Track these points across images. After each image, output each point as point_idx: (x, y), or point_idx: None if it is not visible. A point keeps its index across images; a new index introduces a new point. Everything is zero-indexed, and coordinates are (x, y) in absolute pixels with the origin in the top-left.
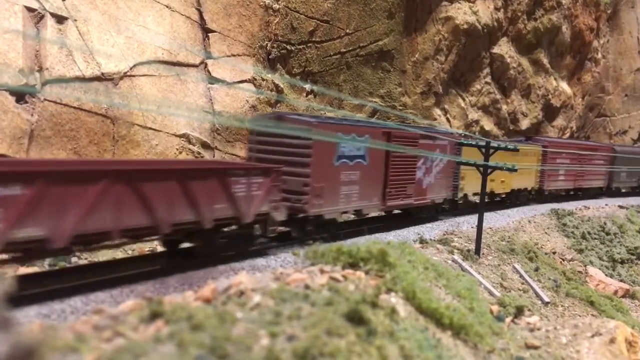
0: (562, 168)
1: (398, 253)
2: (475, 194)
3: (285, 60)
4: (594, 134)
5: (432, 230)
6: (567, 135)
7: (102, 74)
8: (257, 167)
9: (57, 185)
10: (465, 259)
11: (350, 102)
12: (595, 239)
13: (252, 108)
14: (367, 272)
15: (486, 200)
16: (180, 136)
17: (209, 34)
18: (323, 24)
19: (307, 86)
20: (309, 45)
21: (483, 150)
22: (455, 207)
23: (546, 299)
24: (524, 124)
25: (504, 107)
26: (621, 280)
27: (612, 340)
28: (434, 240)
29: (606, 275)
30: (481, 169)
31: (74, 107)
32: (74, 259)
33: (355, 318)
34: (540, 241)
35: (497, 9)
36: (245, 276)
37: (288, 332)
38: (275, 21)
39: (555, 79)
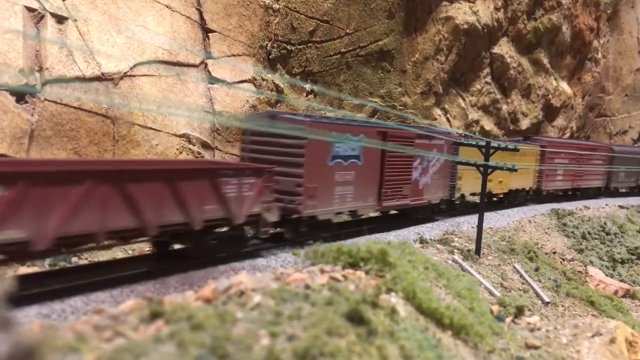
0: (560, 168)
1: (398, 253)
2: (472, 194)
3: (285, 60)
4: (594, 134)
5: (432, 230)
6: (568, 135)
7: (103, 74)
8: (249, 167)
9: (39, 187)
10: (465, 259)
11: (350, 102)
12: (596, 239)
13: (252, 108)
14: (367, 272)
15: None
16: (181, 136)
17: (209, 34)
18: (323, 24)
19: (307, 86)
20: (309, 45)
21: (483, 150)
22: (452, 207)
23: (546, 299)
24: (524, 124)
25: (504, 107)
26: (621, 280)
27: (612, 340)
28: (434, 240)
29: (606, 275)
30: (480, 169)
31: (74, 107)
32: (74, 259)
33: (355, 318)
34: (541, 241)
35: (497, 9)
36: (245, 276)
37: (288, 332)
38: (276, 21)
39: (555, 79)
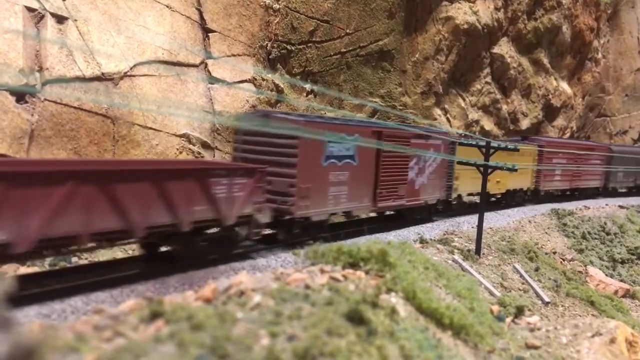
0: (558, 168)
1: (398, 253)
2: (469, 195)
3: (285, 60)
4: (594, 134)
5: (432, 230)
6: (568, 135)
7: (103, 74)
8: (240, 167)
9: (20, 188)
10: (465, 259)
11: (350, 102)
12: (596, 238)
13: (252, 108)
14: (367, 272)
15: (477, 201)
16: (181, 136)
17: (209, 34)
18: (323, 24)
19: (307, 86)
20: (309, 45)
21: (482, 150)
22: (449, 208)
23: (546, 299)
24: (524, 123)
25: (504, 107)
26: (621, 280)
27: (612, 340)
28: (434, 240)
29: (606, 275)
30: (479, 169)
31: (74, 107)
32: (74, 259)
33: (355, 318)
34: (541, 241)
35: (497, 9)
36: (245, 276)
37: (288, 332)
38: (276, 21)
39: (555, 79)
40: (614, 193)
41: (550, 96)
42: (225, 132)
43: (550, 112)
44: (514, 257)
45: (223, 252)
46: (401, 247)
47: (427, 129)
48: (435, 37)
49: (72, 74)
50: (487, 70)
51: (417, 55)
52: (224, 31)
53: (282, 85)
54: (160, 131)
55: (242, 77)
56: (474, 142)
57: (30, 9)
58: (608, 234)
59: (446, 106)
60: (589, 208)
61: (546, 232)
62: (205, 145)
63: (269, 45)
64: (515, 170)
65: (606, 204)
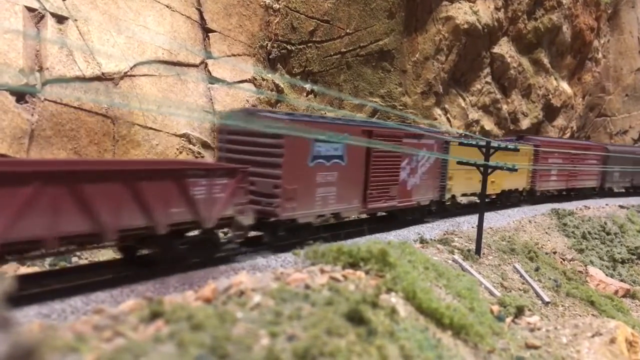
0: (554, 168)
1: (398, 253)
2: (463, 195)
3: (285, 60)
4: (594, 134)
5: (432, 230)
6: (568, 135)
7: (103, 73)
8: (220, 167)
9: None
10: (465, 259)
11: (350, 102)
12: (596, 238)
13: (252, 107)
14: (367, 272)
15: (470, 202)
16: (181, 136)
17: (209, 34)
18: (323, 23)
19: (308, 86)
20: (309, 45)
21: (481, 150)
22: (443, 208)
23: (546, 299)
24: (525, 123)
25: (505, 106)
26: (622, 280)
27: (612, 340)
28: (435, 240)
29: (607, 275)
30: (479, 168)
31: (74, 107)
32: (74, 259)
33: (355, 318)
34: (541, 241)
35: (497, 9)
36: (245, 276)
37: (288, 332)
38: (276, 21)
39: (555, 78)
40: (611, 193)
41: (551, 96)
42: None
43: (551, 112)
44: (514, 257)
45: (204, 255)
46: (401, 247)
47: (420, 128)
48: (436, 37)
49: (72, 74)
50: (487, 70)
51: (417, 55)
52: (224, 31)
53: (282, 85)
54: (161, 131)
55: (242, 77)
56: (473, 142)
57: (30, 9)
58: (608, 233)
59: (446, 106)
60: (589, 208)
61: (546, 232)
62: (205, 145)
63: (269, 45)
64: (516, 170)
65: (606, 204)
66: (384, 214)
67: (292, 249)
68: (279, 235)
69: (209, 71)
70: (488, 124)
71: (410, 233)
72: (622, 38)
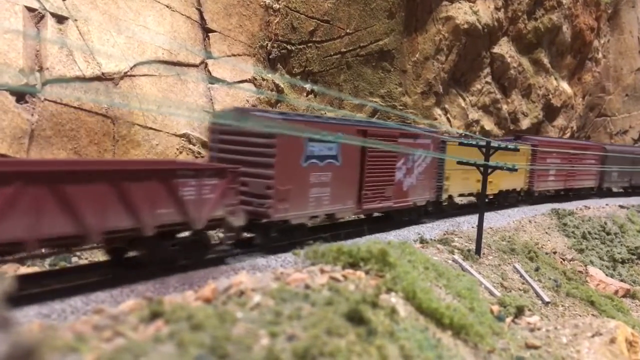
0: (552, 168)
1: (398, 253)
2: (460, 195)
3: (285, 60)
4: (594, 133)
5: (432, 230)
6: (568, 135)
7: (103, 73)
8: (210, 167)
9: None
10: (465, 259)
11: (350, 102)
12: (596, 238)
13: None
14: (367, 272)
15: (470, 202)
16: (181, 136)
17: (209, 34)
18: (323, 23)
19: (308, 86)
20: (309, 45)
21: (481, 150)
22: (439, 209)
23: (546, 299)
24: (525, 123)
25: (505, 106)
26: (622, 280)
27: (612, 340)
28: (435, 240)
29: (607, 275)
30: (479, 168)
31: (75, 107)
32: (74, 259)
33: (355, 318)
34: (541, 241)
35: (497, 9)
36: (245, 276)
37: (288, 332)
38: (276, 21)
39: (555, 78)
40: (611, 193)
41: (551, 96)
42: None
43: (551, 112)
44: (514, 257)
45: (194, 257)
46: (401, 247)
47: (416, 127)
48: (436, 37)
49: (72, 74)
50: (487, 70)
51: (417, 55)
52: (224, 31)
53: (282, 85)
54: (161, 131)
55: (242, 77)
56: (473, 142)
57: (30, 9)
58: (608, 233)
59: (446, 106)
60: (589, 208)
61: (546, 232)
62: (205, 145)
63: (269, 45)
64: (516, 170)
65: (606, 204)
66: (380, 214)
67: (285, 250)
68: (271, 237)
69: (209, 71)
70: (488, 124)
71: (410, 233)
72: (622, 38)
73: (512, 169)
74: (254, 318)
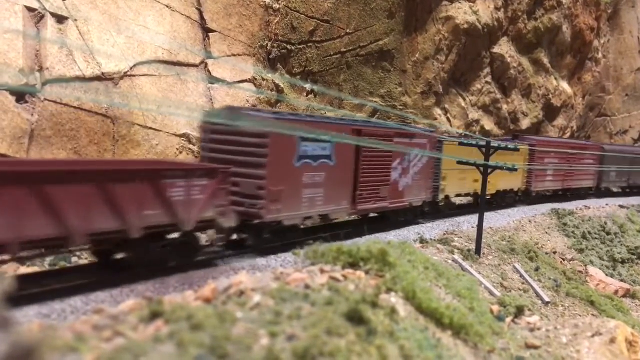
0: (550, 168)
1: (398, 253)
2: (457, 196)
3: (285, 60)
4: (594, 133)
5: (432, 230)
6: (568, 134)
7: (103, 73)
8: (199, 167)
9: None
10: (465, 259)
11: (350, 102)
12: (596, 238)
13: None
14: (367, 272)
15: (469, 203)
16: (181, 136)
17: (209, 34)
18: (323, 23)
19: (308, 86)
20: (309, 45)
21: (482, 150)
22: (436, 209)
23: (546, 299)
24: (525, 123)
25: (505, 106)
26: (622, 280)
27: (612, 340)
28: (435, 240)
29: (607, 275)
30: (479, 168)
31: (75, 107)
32: (74, 259)
33: (355, 318)
34: (541, 241)
35: (497, 9)
36: (245, 276)
37: (288, 332)
38: (276, 21)
39: (555, 78)
40: (611, 193)
41: (551, 96)
42: None
43: (551, 112)
44: (514, 257)
45: (184, 259)
46: (401, 247)
47: (412, 127)
48: (436, 37)
49: (72, 74)
50: (488, 70)
51: (417, 55)
52: (224, 31)
53: (282, 85)
54: (161, 131)
55: (242, 77)
56: (472, 142)
57: (30, 9)
58: (608, 233)
59: (446, 106)
60: (589, 208)
61: (546, 232)
62: None
63: (269, 45)
64: (516, 170)
65: (606, 204)
66: (376, 214)
67: (284, 250)
68: (263, 238)
69: (209, 71)
70: (488, 124)
71: (410, 233)
72: (622, 38)
73: (512, 169)
74: (254, 318)
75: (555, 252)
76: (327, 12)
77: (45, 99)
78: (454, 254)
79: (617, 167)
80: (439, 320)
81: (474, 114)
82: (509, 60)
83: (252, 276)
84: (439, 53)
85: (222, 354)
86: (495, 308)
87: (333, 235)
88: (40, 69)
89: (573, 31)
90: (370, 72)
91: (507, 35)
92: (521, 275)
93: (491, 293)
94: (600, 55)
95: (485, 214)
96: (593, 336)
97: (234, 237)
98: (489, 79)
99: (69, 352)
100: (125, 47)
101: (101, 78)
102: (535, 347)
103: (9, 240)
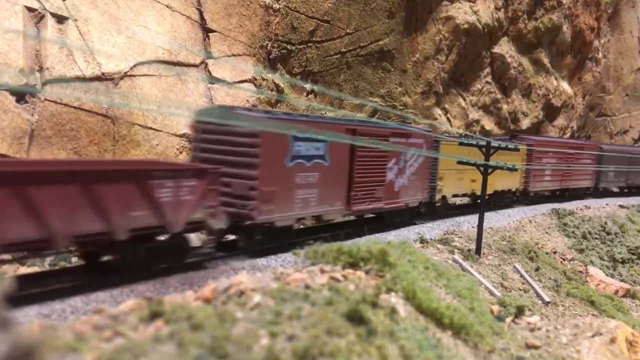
0: (547, 168)
1: (398, 253)
2: (454, 196)
3: (285, 60)
4: (594, 133)
5: (432, 230)
6: (568, 134)
7: (103, 73)
8: (188, 168)
9: None
10: (465, 259)
11: (350, 102)
12: (596, 238)
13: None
14: (367, 272)
15: (468, 203)
16: (181, 136)
17: (210, 34)
18: (323, 23)
19: (308, 86)
20: (309, 45)
21: (482, 149)
22: (433, 210)
23: (547, 299)
24: (525, 123)
25: (505, 106)
26: (622, 280)
27: (612, 340)
28: (435, 240)
29: (607, 275)
30: (479, 168)
31: (75, 107)
32: (74, 259)
33: (355, 318)
34: (541, 241)
35: (497, 9)
36: (245, 276)
37: (288, 332)
38: (276, 21)
39: (555, 78)
40: (611, 192)
41: (551, 96)
42: None
43: (551, 111)
44: (514, 257)
45: (173, 261)
46: (401, 247)
47: (408, 126)
48: (436, 36)
49: (72, 74)
50: (488, 70)
51: (417, 55)
52: (224, 31)
53: (282, 85)
54: (161, 131)
55: (242, 77)
56: (473, 142)
57: (30, 9)
58: (609, 233)
59: (446, 106)
60: (589, 208)
61: (546, 232)
62: None
63: (269, 45)
64: (516, 169)
65: (606, 204)
66: (372, 215)
67: (284, 250)
68: (255, 240)
69: (209, 71)
70: (488, 124)
71: (410, 233)
72: (622, 38)
73: (513, 169)
74: (254, 318)
75: (555, 252)
76: (327, 12)
77: (45, 99)
78: (454, 254)
79: (615, 167)
80: (439, 320)
81: (474, 114)
82: (509, 60)
83: (252, 276)
84: (439, 53)
85: (222, 354)
86: (496, 308)
87: (333, 235)
88: (40, 69)
89: (573, 31)
90: (370, 72)
91: (507, 35)
92: (521, 275)
93: (491, 293)
94: (600, 55)
95: (486, 214)
96: (593, 336)
97: (227, 238)
98: (489, 78)
99: (69, 352)
100: (125, 47)
101: (101, 78)
102: (536, 347)
103: None
